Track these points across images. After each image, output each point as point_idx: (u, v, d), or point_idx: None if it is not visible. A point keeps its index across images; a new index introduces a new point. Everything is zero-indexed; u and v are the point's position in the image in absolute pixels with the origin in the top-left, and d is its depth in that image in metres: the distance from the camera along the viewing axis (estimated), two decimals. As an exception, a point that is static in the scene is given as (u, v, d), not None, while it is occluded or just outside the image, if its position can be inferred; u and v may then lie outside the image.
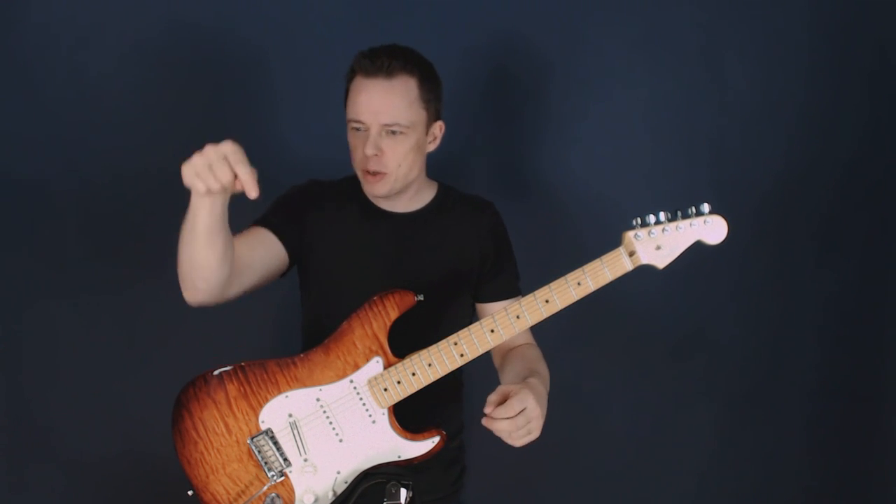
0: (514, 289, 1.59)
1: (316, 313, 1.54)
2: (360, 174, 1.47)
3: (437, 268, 1.52)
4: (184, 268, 1.25)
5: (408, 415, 1.38)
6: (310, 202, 1.50)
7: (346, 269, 1.49)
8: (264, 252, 1.42)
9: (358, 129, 1.43)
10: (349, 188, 1.55)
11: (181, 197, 1.99)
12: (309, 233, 1.48)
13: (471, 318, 1.58)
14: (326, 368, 1.35)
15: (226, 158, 1.11)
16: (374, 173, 1.43)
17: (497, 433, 1.26)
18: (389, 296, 1.36)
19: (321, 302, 1.52)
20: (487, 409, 1.26)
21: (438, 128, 1.51)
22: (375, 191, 1.46)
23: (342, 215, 1.51)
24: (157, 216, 1.96)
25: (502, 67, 2.00)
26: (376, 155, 1.41)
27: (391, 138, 1.41)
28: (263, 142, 1.95)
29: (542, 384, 1.37)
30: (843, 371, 2.21)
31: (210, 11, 1.90)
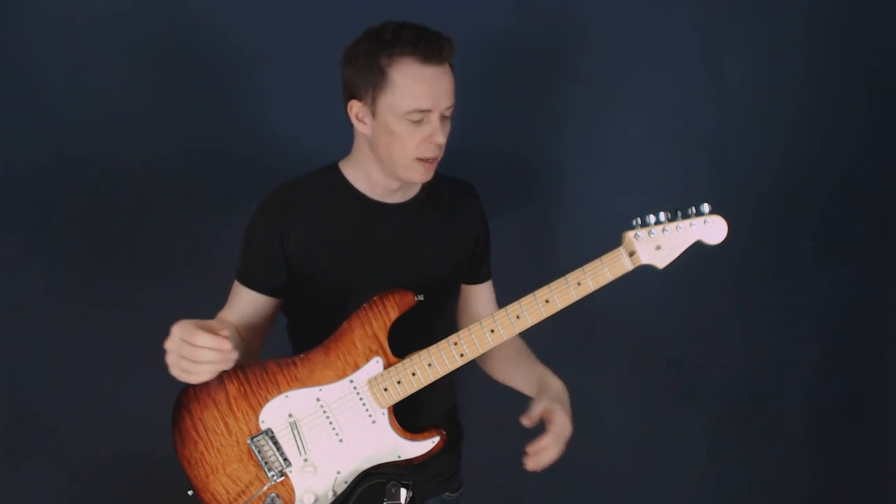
0: (490, 271, 1.66)
1: (314, 312, 1.49)
2: (408, 163, 1.38)
3: (442, 255, 1.51)
4: None
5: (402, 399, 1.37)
6: (286, 219, 1.43)
7: (352, 265, 1.45)
8: (263, 314, 1.48)
9: (418, 120, 1.36)
10: (329, 181, 1.49)
11: (181, 197, 2.00)
12: (294, 251, 1.43)
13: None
14: (326, 368, 1.35)
15: (185, 344, 1.20)
16: (431, 160, 1.40)
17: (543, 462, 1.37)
18: (389, 295, 1.35)
19: (321, 301, 1.47)
20: (529, 449, 1.37)
21: None
22: (426, 177, 1.41)
23: (333, 212, 1.46)
24: (159, 216, 1.97)
25: (501, 66, 2.00)
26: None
27: (444, 122, 1.39)
28: (261, 137, 1.95)
29: (552, 376, 1.48)
30: (843, 372, 2.21)
31: (204, 5, 1.90)
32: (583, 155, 2.04)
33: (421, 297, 1.40)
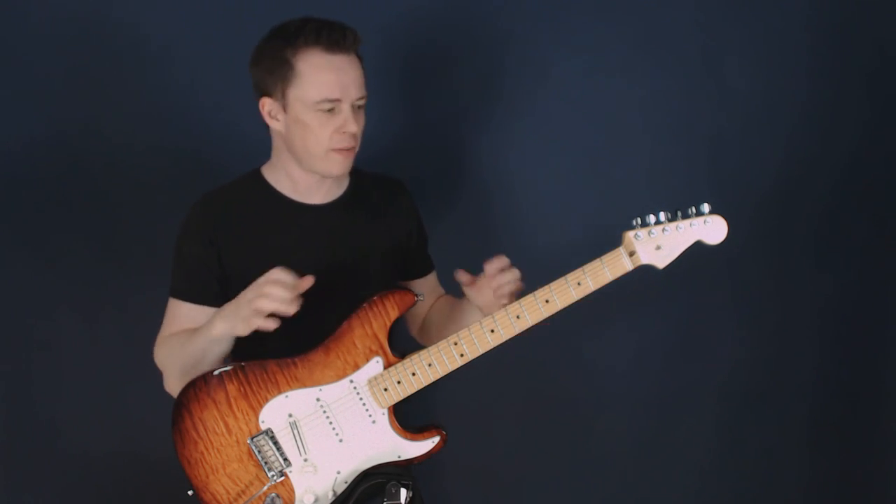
0: (431, 263, 1.67)
1: None
2: (323, 154, 1.38)
3: (371, 252, 1.50)
4: (180, 372, 1.40)
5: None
6: (215, 227, 1.43)
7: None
8: None
9: (329, 110, 1.36)
10: (251, 187, 1.48)
11: (183, 198, 1.98)
12: (227, 258, 1.42)
13: None
14: (326, 368, 1.35)
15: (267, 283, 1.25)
16: (347, 150, 1.38)
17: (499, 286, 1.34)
18: (389, 295, 1.36)
19: None
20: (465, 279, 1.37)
21: None
22: (343, 168, 1.40)
23: (260, 218, 1.45)
24: (160, 217, 1.96)
25: (501, 65, 2.00)
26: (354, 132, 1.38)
27: (357, 113, 1.39)
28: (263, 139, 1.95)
29: None
30: (843, 371, 2.21)
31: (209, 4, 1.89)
32: (582, 154, 2.04)
33: (422, 297, 1.40)
